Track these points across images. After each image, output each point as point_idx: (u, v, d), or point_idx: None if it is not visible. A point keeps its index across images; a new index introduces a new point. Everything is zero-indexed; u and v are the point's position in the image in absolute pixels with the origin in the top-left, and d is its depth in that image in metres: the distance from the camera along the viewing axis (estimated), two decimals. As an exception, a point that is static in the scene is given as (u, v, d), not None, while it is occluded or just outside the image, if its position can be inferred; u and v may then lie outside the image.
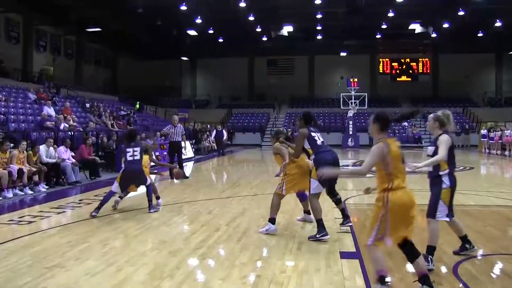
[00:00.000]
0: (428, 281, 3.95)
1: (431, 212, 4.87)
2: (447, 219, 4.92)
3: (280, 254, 5.48)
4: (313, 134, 6.30)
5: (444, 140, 4.88)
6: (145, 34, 34.02)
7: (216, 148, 25.08)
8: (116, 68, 42.00)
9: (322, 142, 6.32)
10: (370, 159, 4.00)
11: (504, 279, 4.63)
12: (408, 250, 4.04)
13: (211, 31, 34.32)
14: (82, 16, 29.90)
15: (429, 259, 4.74)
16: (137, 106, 31.36)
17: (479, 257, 5.34)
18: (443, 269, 4.86)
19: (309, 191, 6.29)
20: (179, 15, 29.14)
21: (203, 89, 43.62)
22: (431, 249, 4.83)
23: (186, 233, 6.72)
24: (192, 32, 34.44)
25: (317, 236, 6.02)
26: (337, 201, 6.68)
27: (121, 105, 29.52)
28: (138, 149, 8.11)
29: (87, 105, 23.73)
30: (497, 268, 5.01)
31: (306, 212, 7.13)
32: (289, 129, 25.78)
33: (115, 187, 7.95)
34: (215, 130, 25.66)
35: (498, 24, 31.34)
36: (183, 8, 27.63)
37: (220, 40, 37.28)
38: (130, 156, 8.00)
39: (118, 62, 42.06)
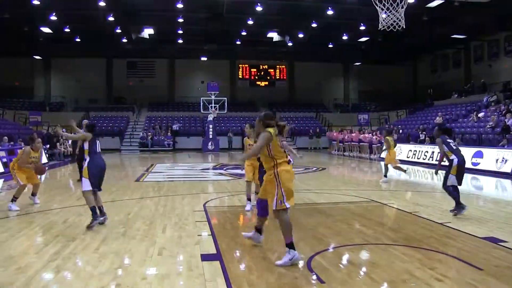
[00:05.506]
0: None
1: None
2: None
3: (141, 260, 5.36)
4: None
5: None
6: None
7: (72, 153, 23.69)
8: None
9: None
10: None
11: (349, 267, 5.11)
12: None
13: (67, 30, 32.15)
14: None
15: None
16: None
17: (330, 250, 5.82)
18: (298, 264, 5.17)
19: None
20: (31, 9, 26.67)
21: (58, 90, 40.50)
22: None
23: (38, 245, 6.15)
24: (46, 30, 31.76)
25: None
26: None
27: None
28: None
29: None
30: (343, 258, 5.50)
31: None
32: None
33: None
34: None
35: (344, 37, 34.27)
36: (36, 2, 25.34)
37: (77, 40, 35.06)
38: None
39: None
